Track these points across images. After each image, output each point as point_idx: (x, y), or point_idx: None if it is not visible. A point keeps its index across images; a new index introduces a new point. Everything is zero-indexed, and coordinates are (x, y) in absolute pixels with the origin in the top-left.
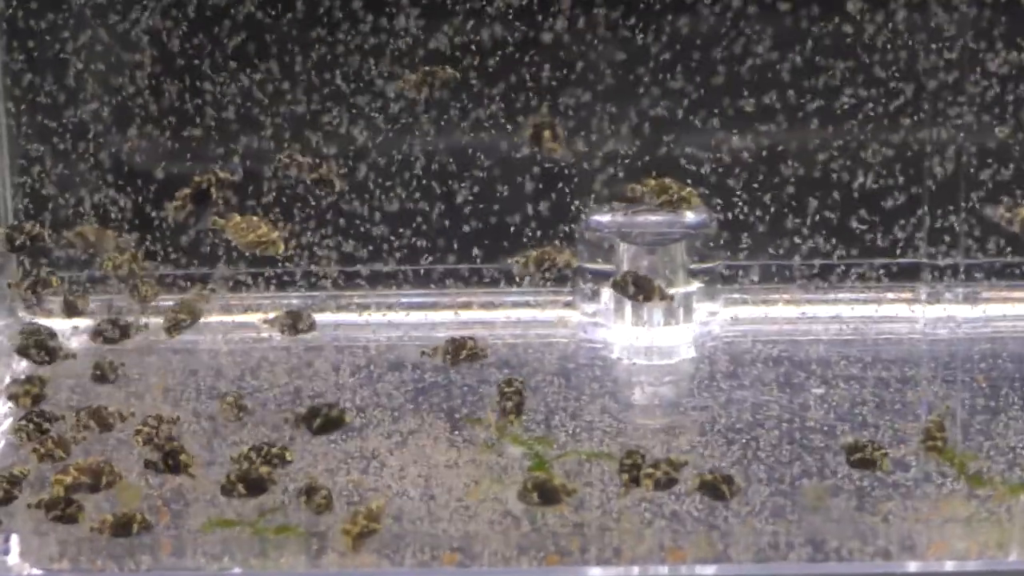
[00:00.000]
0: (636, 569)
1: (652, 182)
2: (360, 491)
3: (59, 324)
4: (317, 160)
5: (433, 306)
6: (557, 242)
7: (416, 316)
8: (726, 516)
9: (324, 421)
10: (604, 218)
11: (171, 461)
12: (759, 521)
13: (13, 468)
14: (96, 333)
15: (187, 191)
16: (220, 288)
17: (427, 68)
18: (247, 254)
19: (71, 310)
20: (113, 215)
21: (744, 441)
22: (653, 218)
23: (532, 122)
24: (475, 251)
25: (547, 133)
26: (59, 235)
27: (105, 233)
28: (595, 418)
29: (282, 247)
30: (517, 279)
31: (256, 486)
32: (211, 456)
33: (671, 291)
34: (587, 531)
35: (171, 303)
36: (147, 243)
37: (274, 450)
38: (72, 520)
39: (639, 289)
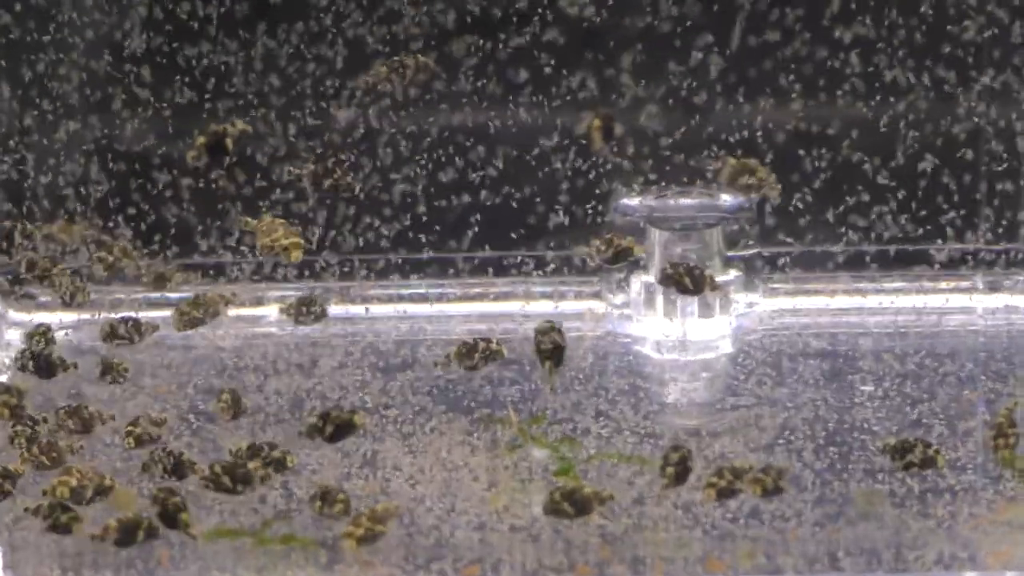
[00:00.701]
0: None
1: (733, 161)
2: (373, 498)
3: (51, 317)
4: (328, 165)
5: (448, 298)
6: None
7: (427, 308)
8: (771, 523)
9: (335, 428)
10: (634, 201)
11: (175, 467)
12: (806, 529)
13: (8, 464)
14: (110, 334)
15: (202, 140)
16: (241, 291)
17: (396, 58)
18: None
19: (71, 302)
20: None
21: (788, 443)
22: (686, 201)
23: (593, 112)
24: (493, 239)
25: (597, 121)
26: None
27: (71, 228)
28: (625, 418)
29: (296, 255)
30: (588, 262)
31: (242, 480)
32: (209, 460)
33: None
34: (619, 540)
35: (185, 297)
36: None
37: (275, 453)
38: (66, 530)
39: (692, 281)
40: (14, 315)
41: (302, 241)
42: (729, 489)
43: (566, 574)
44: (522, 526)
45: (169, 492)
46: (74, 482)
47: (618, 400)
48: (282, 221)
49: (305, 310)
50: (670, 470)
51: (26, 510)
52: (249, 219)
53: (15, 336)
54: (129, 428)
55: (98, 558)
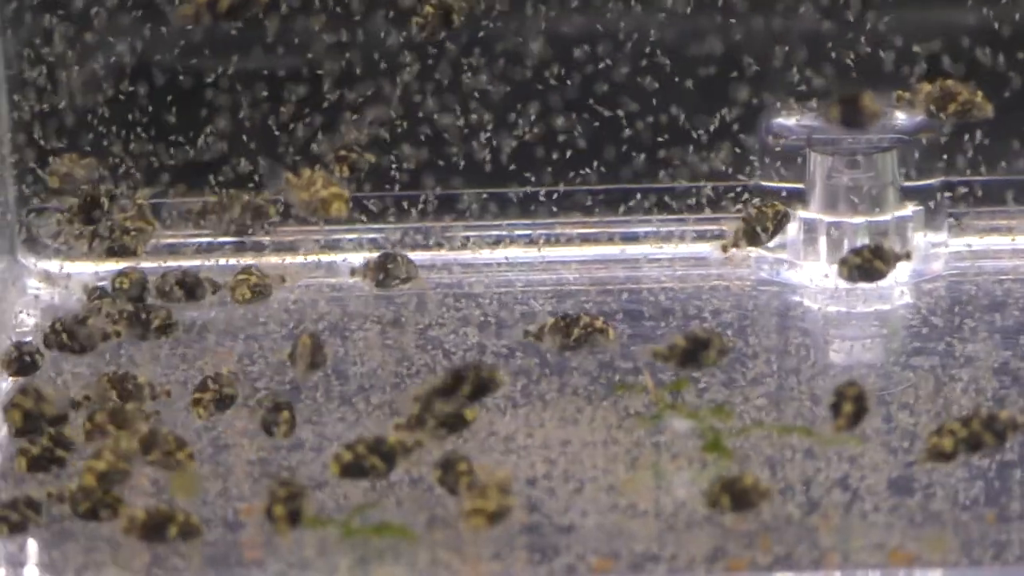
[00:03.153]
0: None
1: (928, 86)
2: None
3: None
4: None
5: (563, 240)
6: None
7: (538, 253)
8: (964, 506)
9: (474, 387)
10: (790, 121)
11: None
12: (1011, 513)
13: (31, 491)
14: (161, 293)
15: None
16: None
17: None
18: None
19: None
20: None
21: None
22: None
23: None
24: (616, 169)
25: (868, 101)
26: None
27: (84, 161)
28: (783, 383)
29: (338, 207)
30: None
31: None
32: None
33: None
34: (782, 528)
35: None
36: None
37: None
38: (105, 514)
39: (882, 260)
40: (35, 263)
41: (345, 192)
42: (975, 439)
43: (719, 569)
44: (664, 512)
45: (286, 485)
46: (103, 466)
47: (773, 361)
48: (321, 173)
49: (386, 271)
50: (847, 407)
51: (49, 495)
52: (291, 176)
53: (36, 285)
54: (196, 396)
55: (142, 551)
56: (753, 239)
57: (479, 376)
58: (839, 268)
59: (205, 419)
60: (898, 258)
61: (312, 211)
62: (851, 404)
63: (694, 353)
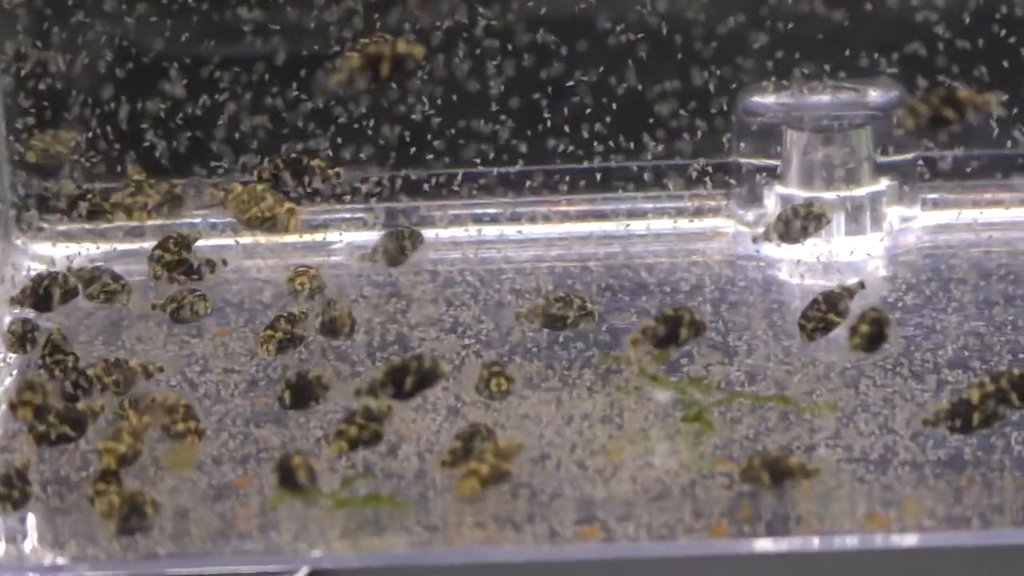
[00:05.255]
0: (818, 541)
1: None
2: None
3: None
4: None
5: (543, 217)
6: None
7: (516, 231)
8: (939, 473)
9: (417, 379)
10: (768, 100)
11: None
12: (980, 481)
13: (18, 461)
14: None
15: None
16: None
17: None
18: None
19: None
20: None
21: (956, 384)
22: (828, 98)
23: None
24: (601, 146)
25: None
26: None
27: (62, 136)
28: (762, 354)
29: (295, 222)
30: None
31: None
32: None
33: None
34: (761, 495)
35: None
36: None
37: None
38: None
39: (836, 313)
40: (35, 248)
41: (295, 207)
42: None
43: (701, 535)
44: (647, 480)
45: (287, 456)
46: (123, 448)
47: (752, 334)
48: (264, 187)
49: (399, 248)
50: (864, 328)
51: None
52: (216, 190)
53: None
54: (268, 333)
55: (178, 526)
56: (786, 236)
57: (421, 367)
58: (800, 335)
59: (272, 356)
60: (852, 294)
61: (264, 228)
62: (868, 325)
63: (671, 334)
